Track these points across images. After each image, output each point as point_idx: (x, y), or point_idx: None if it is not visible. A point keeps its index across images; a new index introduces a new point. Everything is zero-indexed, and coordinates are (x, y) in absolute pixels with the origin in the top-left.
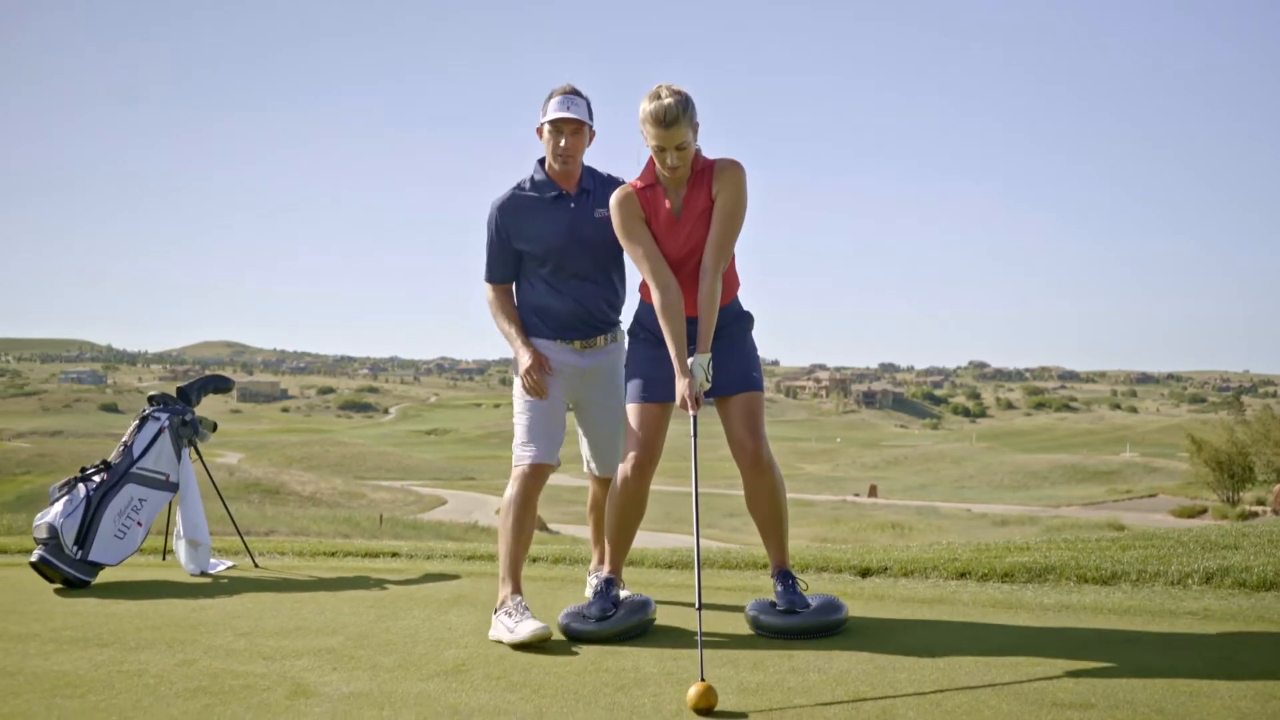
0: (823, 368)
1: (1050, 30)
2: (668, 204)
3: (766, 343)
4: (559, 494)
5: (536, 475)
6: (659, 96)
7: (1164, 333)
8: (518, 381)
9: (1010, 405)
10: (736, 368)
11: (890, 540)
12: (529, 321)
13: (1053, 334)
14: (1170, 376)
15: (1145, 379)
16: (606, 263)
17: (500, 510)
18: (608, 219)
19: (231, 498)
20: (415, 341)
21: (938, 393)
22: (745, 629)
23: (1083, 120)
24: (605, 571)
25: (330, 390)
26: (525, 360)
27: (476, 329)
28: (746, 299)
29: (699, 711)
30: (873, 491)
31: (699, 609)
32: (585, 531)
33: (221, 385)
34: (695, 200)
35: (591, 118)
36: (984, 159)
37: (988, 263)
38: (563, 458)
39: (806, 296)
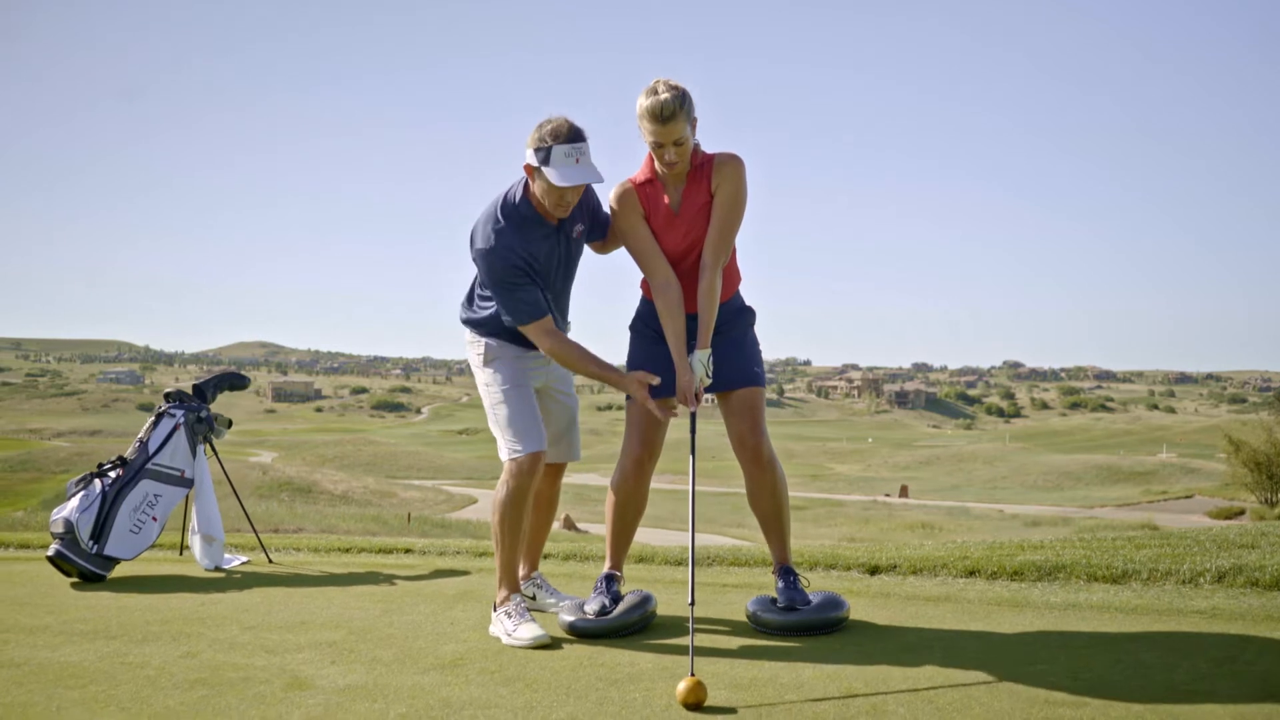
0: (855, 367)
1: (1086, 27)
2: (667, 199)
3: (799, 342)
4: (588, 493)
5: (534, 467)
6: (656, 92)
7: (1203, 332)
8: (489, 373)
9: (1045, 405)
10: (738, 363)
11: (918, 541)
12: (497, 327)
13: (1089, 333)
14: (1209, 376)
15: (1184, 379)
16: (573, 274)
17: (495, 508)
18: (581, 233)
19: (264, 496)
20: (448, 342)
21: (971, 393)
22: (746, 625)
23: (1120, 118)
24: (607, 567)
25: (363, 390)
26: (639, 391)
27: None
28: (778, 298)
29: (688, 706)
30: (904, 492)
31: (691, 604)
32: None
33: (237, 382)
34: (694, 195)
35: (594, 166)
36: (1020, 158)
37: (1023, 262)
38: (593, 456)
39: (839, 296)
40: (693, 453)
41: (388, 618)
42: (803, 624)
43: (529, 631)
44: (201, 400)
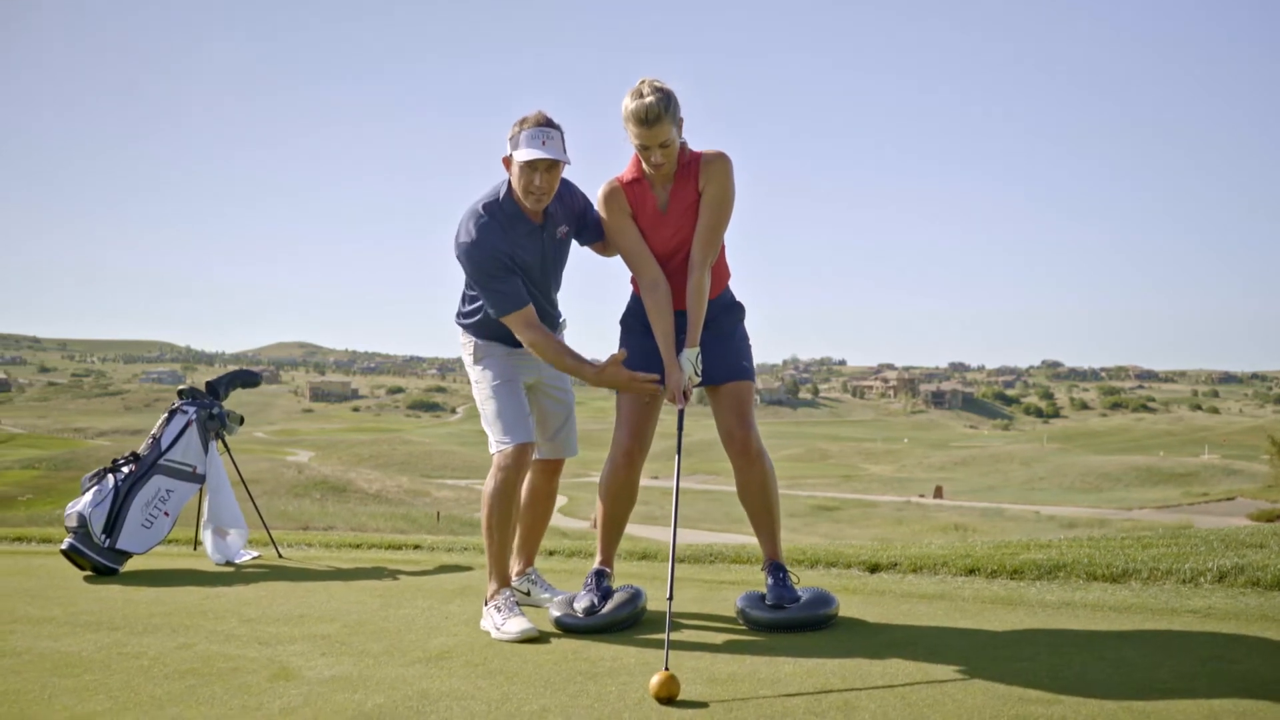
0: (891, 367)
1: (1134, 21)
2: (654, 198)
3: (834, 342)
4: None
5: (521, 460)
6: (641, 94)
7: (1248, 331)
8: (479, 369)
9: (1085, 406)
10: (727, 357)
11: (951, 541)
12: (487, 327)
13: (1130, 332)
14: (1254, 376)
15: (1228, 378)
16: (558, 275)
17: (484, 502)
18: (566, 234)
19: (299, 495)
20: None
21: (1009, 393)
22: (735, 622)
23: (1164, 116)
24: (597, 563)
25: (399, 390)
26: (621, 377)
27: None
28: (813, 298)
29: (660, 700)
30: (938, 493)
31: (669, 599)
32: (652, 531)
33: (249, 380)
34: (682, 194)
35: (565, 148)
36: (1061, 156)
37: (1063, 260)
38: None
39: (875, 295)
40: (679, 449)
41: (384, 612)
42: (790, 621)
43: (517, 625)
44: (214, 397)
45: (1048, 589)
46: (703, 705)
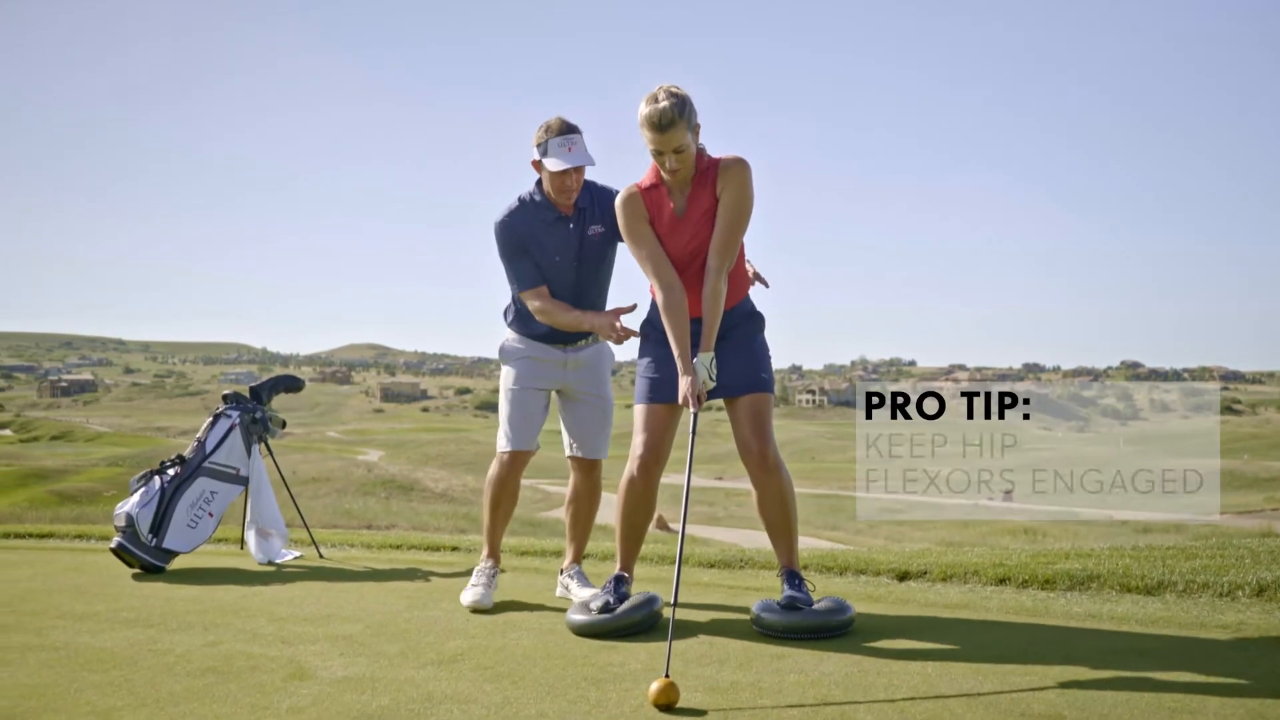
0: (962, 368)
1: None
2: (671, 204)
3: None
4: (682, 494)
5: (514, 462)
6: (656, 100)
7: None
8: (505, 370)
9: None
10: (744, 368)
11: (1020, 545)
12: (519, 324)
13: (1215, 332)
14: None
15: None
16: (597, 275)
17: (485, 486)
18: (602, 234)
19: (367, 493)
20: None
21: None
22: (750, 629)
23: (1242, 109)
24: (617, 568)
25: (467, 390)
26: (603, 320)
27: None
28: (880, 297)
29: (658, 707)
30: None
31: (674, 605)
32: (714, 531)
33: (292, 385)
34: (699, 200)
35: (586, 148)
36: (1138, 148)
37: (1145, 258)
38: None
39: (945, 295)
40: (690, 454)
41: (408, 613)
42: (803, 625)
43: (469, 596)
44: (257, 402)
45: (1077, 601)
46: (701, 713)
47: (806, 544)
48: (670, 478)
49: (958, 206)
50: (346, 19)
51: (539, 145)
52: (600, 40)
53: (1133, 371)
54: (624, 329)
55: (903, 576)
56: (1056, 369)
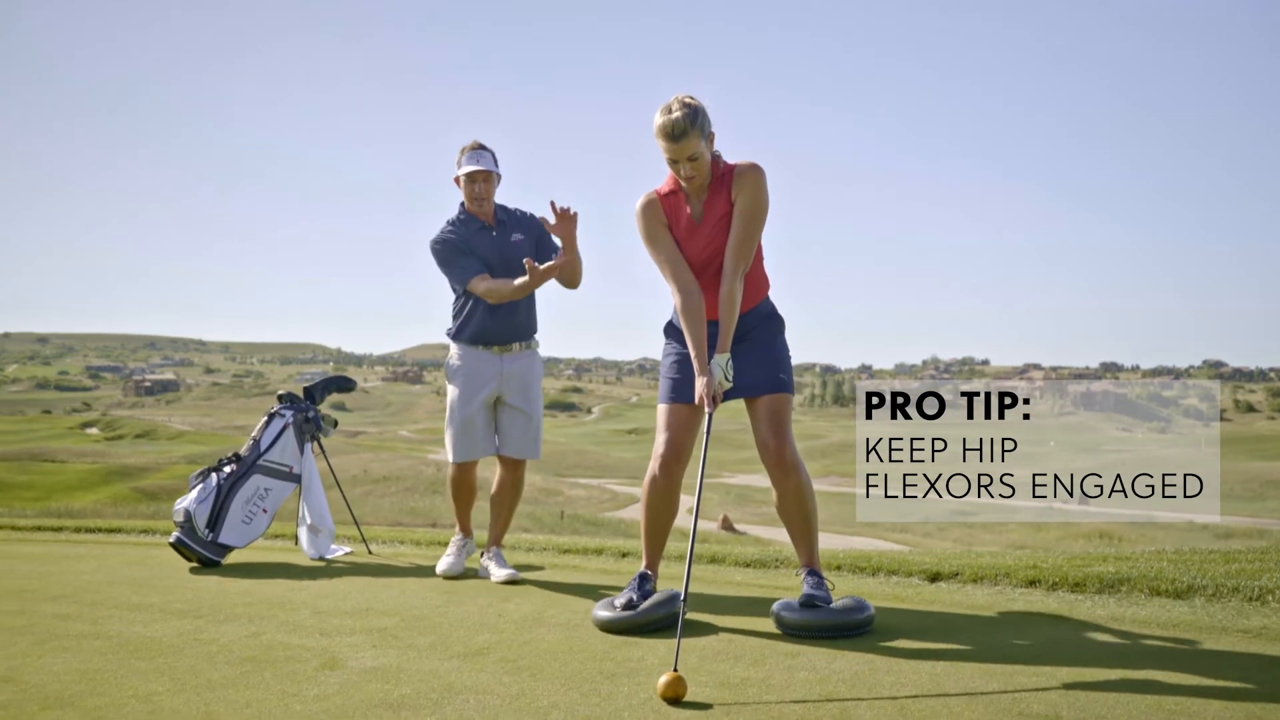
0: (1037, 367)
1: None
2: (689, 210)
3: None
4: (749, 494)
5: (460, 472)
6: (670, 110)
7: None
8: (448, 387)
9: (1251, 408)
10: (764, 369)
11: (1094, 549)
12: (458, 332)
13: None
14: None
15: None
16: (516, 274)
17: (447, 483)
18: (522, 240)
19: (435, 492)
20: (617, 343)
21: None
22: (771, 627)
23: None
24: (641, 566)
25: None
26: (532, 275)
27: None
28: (951, 296)
29: (667, 700)
30: (1083, 499)
31: (684, 600)
32: (775, 533)
33: (344, 385)
34: (715, 205)
35: (497, 164)
36: (1221, 141)
37: (1228, 254)
38: (748, 459)
39: (1020, 292)
40: (704, 454)
41: (444, 608)
42: (821, 624)
43: (442, 564)
44: (310, 402)
45: (1104, 604)
46: (706, 707)
47: (861, 545)
48: (727, 478)
49: (1036, 204)
50: None
51: (457, 163)
52: (624, 32)
53: (1216, 371)
54: (538, 267)
55: (934, 578)
56: (1135, 368)
